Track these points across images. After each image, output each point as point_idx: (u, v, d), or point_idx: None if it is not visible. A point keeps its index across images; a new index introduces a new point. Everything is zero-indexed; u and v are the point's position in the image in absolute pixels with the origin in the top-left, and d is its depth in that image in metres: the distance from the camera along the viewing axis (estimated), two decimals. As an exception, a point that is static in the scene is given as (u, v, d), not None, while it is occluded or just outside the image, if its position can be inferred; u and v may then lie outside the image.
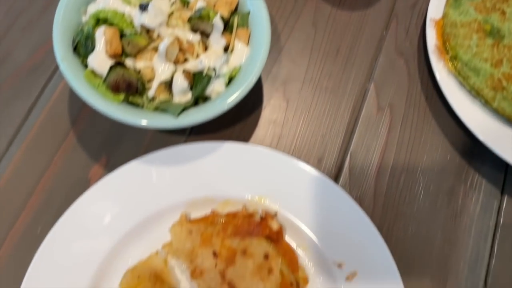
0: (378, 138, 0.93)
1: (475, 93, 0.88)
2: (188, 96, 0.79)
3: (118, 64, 0.76)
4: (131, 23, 0.78)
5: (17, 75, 0.94)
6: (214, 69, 0.79)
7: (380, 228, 0.85)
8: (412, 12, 1.03)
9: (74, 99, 0.92)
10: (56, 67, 0.95)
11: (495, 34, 0.93)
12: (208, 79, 0.79)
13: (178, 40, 0.78)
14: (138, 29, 0.77)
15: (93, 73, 0.77)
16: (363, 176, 0.90)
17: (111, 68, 0.75)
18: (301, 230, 0.81)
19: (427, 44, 0.93)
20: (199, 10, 0.79)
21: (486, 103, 0.88)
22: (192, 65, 0.79)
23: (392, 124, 0.94)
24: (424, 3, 1.03)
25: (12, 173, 0.87)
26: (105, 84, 0.76)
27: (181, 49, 0.78)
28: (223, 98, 0.77)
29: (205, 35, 0.81)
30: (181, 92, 0.78)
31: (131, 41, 0.76)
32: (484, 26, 0.93)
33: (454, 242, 0.86)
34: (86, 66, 0.78)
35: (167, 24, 0.79)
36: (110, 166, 0.88)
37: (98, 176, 0.87)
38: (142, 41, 0.77)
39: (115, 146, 0.89)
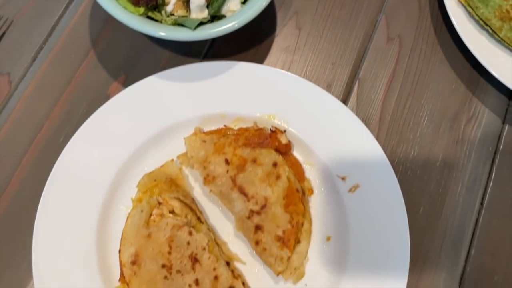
0: (387, 67, 0.96)
1: (483, 23, 0.91)
2: (205, 13, 0.82)
3: None
4: None
5: (40, -5, 0.98)
6: None
7: (383, 150, 0.89)
8: None
9: (95, 18, 0.96)
10: (78, -11, 0.99)
11: (506, -33, 0.94)
12: (224, 2, 0.82)
13: None
14: None
15: None
16: (370, 101, 0.93)
17: None
18: (308, 147, 0.86)
19: (438, -24, 0.95)
20: None
21: (493, 33, 0.90)
22: None
23: (401, 54, 0.97)
24: None
25: (36, 86, 0.92)
26: None
27: None
28: (237, 16, 0.80)
29: None
30: (198, 9, 0.82)
31: None
32: (496, -41, 0.95)
33: (454, 166, 0.90)
34: None
35: None
36: (128, 83, 0.92)
37: (117, 92, 0.91)
38: None
39: (134, 65, 0.94)
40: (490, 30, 0.91)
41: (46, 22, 0.96)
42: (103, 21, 0.96)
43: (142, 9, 0.80)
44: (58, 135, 0.89)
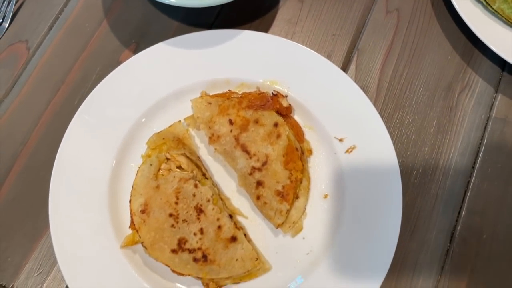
0: (385, 38, 1.00)
1: (478, -5, 0.95)
2: None
3: None
4: None
5: (57, -32, 1.03)
6: None
7: (380, 116, 0.94)
8: None
9: (108, -10, 1.01)
10: (92, -37, 1.04)
11: None
12: None
13: None
14: None
15: None
16: (368, 70, 0.98)
17: None
18: (308, 111, 0.91)
19: (436, -49, 0.99)
20: None
21: (487, 5, 0.94)
22: None
23: (399, 26, 1.01)
24: None
25: (52, 53, 0.97)
26: None
27: None
28: None
29: None
30: None
31: None
32: None
33: (447, 132, 0.94)
34: None
35: None
36: (139, 51, 0.96)
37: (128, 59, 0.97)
38: None
39: (144, 34, 0.99)
40: (484, 3, 0.95)
41: (62, -7, 1.02)
42: (115, -8, 1.01)
43: None
44: (73, 97, 0.95)
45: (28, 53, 0.98)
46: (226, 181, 0.88)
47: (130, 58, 0.90)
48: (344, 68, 0.98)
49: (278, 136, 0.85)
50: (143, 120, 0.90)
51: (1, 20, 0.98)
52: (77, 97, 0.94)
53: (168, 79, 0.91)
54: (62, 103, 0.94)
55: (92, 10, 1.01)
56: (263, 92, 0.90)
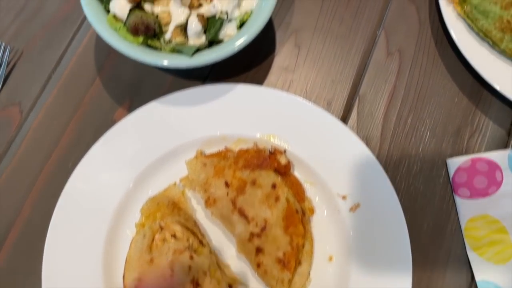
0: (387, 82, 0.96)
1: (483, 35, 0.90)
2: (202, 39, 0.85)
3: (137, 7, 0.82)
4: None
5: (48, 26, 1.02)
6: (227, 13, 0.84)
7: (385, 167, 0.89)
8: (425, -42, 1.04)
9: (100, 48, 0.99)
10: (84, 18, 1.02)
11: (506, -23, 0.93)
12: (221, 22, 0.84)
13: None
14: None
15: (115, 17, 0.83)
16: (371, 117, 0.93)
17: (130, 11, 0.81)
18: (309, 166, 0.87)
19: (437, -11, 0.94)
20: None
21: (494, 45, 0.89)
22: (206, 9, 0.84)
23: (401, 68, 0.96)
24: (438, -50, 1.04)
25: (45, 115, 0.95)
26: (126, 26, 0.82)
27: None
28: (234, 40, 0.82)
29: None
30: (196, 35, 0.84)
31: None
32: (496, -31, 0.94)
33: (458, 180, 0.89)
34: (108, 11, 0.84)
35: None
36: (133, 109, 0.94)
37: (123, 117, 0.94)
38: None
39: (138, 91, 0.96)
40: (490, 42, 0.89)
41: (54, 52, 1.00)
42: (107, 50, 0.99)
43: (141, 39, 0.83)
44: (67, 161, 0.92)
45: (21, 116, 0.96)
46: (225, 246, 0.84)
47: (122, 120, 0.88)
48: (345, 117, 0.94)
49: (277, 199, 0.80)
50: (137, 183, 0.87)
51: (-7, 84, 0.97)
52: (70, 160, 0.92)
53: (163, 139, 0.89)
54: (55, 167, 0.92)
55: (84, 68, 0.99)
56: (260, 150, 0.86)
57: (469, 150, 0.90)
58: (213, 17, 0.84)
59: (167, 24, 0.84)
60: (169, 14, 0.84)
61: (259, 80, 0.97)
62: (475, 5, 0.91)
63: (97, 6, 0.84)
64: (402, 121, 0.93)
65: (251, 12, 0.86)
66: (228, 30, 0.85)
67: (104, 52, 0.99)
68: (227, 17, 0.84)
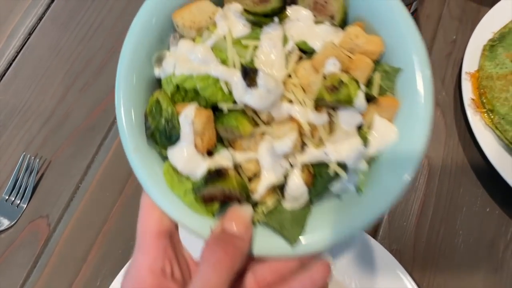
0: (417, 190, 0.95)
1: (513, 147, 0.90)
2: (303, 199, 0.56)
3: (218, 172, 0.52)
4: (229, 94, 0.53)
5: (75, 135, 1.02)
6: (345, 165, 0.53)
7: (420, 282, 0.87)
8: (448, 62, 1.05)
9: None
10: (111, 125, 1.03)
11: (533, 85, 0.94)
12: (335, 178, 0.55)
13: (297, 124, 0.53)
14: (240, 104, 0.52)
15: (175, 170, 0.54)
16: (402, 229, 0.92)
17: (206, 181, 0.52)
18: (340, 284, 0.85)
19: (463, 97, 0.95)
20: (335, 88, 0.50)
21: (519, 152, 0.89)
22: (313, 156, 0.54)
23: (430, 175, 0.96)
24: (459, 53, 1.05)
25: (73, 228, 0.95)
26: (194, 192, 0.54)
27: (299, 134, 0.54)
28: (360, 209, 0.53)
29: (331, 108, 0.54)
30: (296, 199, 0.56)
31: (231, 128, 0.53)
32: (522, 78, 0.94)
33: (495, 296, 0.87)
34: (165, 157, 0.55)
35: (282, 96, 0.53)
36: (161, 220, 0.94)
37: (151, 230, 0.94)
38: (246, 127, 0.53)
39: (166, 201, 0.96)
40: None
41: (81, 161, 1.00)
42: (135, 159, 0.99)
43: (216, 207, 0.55)
44: (95, 278, 0.91)
45: (49, 229, 0.95)
46: None
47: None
48: (376, 229, 0.93)
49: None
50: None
51: (21, 197, 0.97)
52: (99, 277, 0.91)
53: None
54: (83, 285, 0.91)
55: (113, 176, 0.99)
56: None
57: (504, 264, 0.89)
58: (323, 165, 0.54)
59: (254, 176, 0.56)
60: (258, 163, 0.55)
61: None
62: (503, 115, 0.92)
63: (148, 152, 0.55)
64: (435, 232, 0.92)
65: (380, 157, 0.54)
66: (345, 183, 0.56)
67: (132, 162, 0.99)
68: (347, 171, 0.54)
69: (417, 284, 0.83)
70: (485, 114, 0.93)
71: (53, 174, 1.00)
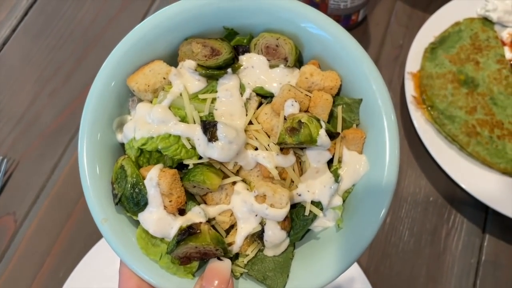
0: (365, 182, 1.01)
1: (451, 139, 0.96)
2: (284, 244, 0.55)
3: (189, 230, 0.51)
4: (192, 150, 0.53)
5: (44, 136, 1.08)
6: (320, 203, 0.53)
7: (367, 268, 0.92)
8: (395, 65, 1.12)
9: (92, 156, 1.05)
10: (78, 127, 1.08)
11: (469, 83, 1.01)
12: (312, 219, 0.55)
13: (264, 170, 0.53)
14: (205, 158, 0.53)
15: (148, 234, 0.53)
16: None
17: (178, 241, 0.51)
18: None
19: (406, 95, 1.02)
20: (295, 130, 0.50)
21: (462, 148, 0.95)
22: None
23: (378, 169, 1.02)
24: (406, 56, 1.12)
25: (38, 224, 0.99)
26: (168, 253, 0.52)
27: (268, 177, 0.54)
28: (342, 249, 0.53)
29: (298, 148, 0.54)
30: (276, 245, 0.55)
31: (198, 184, 0.52)
32: (459, 76, 1.02)
33: (437, 280, 0.92)
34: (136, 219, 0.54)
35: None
36: (123, 215, 0.99)
37: (113, 224, 0.98)
38: (213, 181, 0.52)
39: (128, 197, 1.01)
40: (458, 146, 0.96)
41: (49, 161, 1.05)
42: (99, 158, 1.04)
43: (194, 266, 0.54)
44: (59, 270, 0.95)
45: (15, 225, 1.00)
46: None
47: (112, 231, 0.91)
48: (327, 218, 0.98)
49: None
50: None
51: (-11, 195, 1.02)
52: (62, 269, 0.95)
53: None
54: (47, 277, 0.94)
55: (77, 175, 1.02)
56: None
57: (446, 249, 0.94)
58: (299, 207, 0.55)
59: (231, 227, 0.56)
60: (232, 215, 0.55)
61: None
62: (442, 110, 0.98)
63: (118, 219, 0.54)
64: (381, 221, 0.97)
65: (353, 188, 0.56)
66: (321, 221, 0.56)
67: (96, 161, 1.04)
68: (322, 209, 0.54)
69: (365, 269, 0.87)
70: (426, 110, 1.00)
71: (21, 174, 1.04)
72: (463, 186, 0.92)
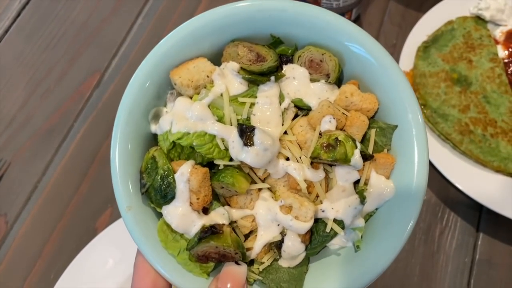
0: (358, 181, 1.00)
1: (444, 138, 0.96)
2: (301, 257, 0.55)
3: (212, 229, 0.52)
4: (225, 151, 0.53)
5: (36, 137, 1.07)
6: (342, 222, 0.53)
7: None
8: (388, 64, 1.12)
9: (84, 157, 1.04)
10: (70, 128, 1.08)
11: (462, 81, 1.01)
12: (332, 236, 0.54)
13: (292, 181, 0.54)
14: (236, 161, 0.53)
15: (169, 227, 0.54)
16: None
17: (200, 239, 0.52)
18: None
19: (399, 94, 1.01)
20: (332, 146, 0.51)
21: (455, 147, 0.95)
22: None
23: (371, 168, 1.01)
24: (399, 55, 1.12)
25: (30, 225, 0.99)
26: (188, 250, 0.53)
27: (294, 189, 0.54)
28: (356, 271, 0.53)
29: (328, 164, 0.54)
30: (293, 256, 0.55)
31: (227, 185, 0.53)
32: (452, 75, 1.01)
33: (431, 279, 0.91)
34: (159, 211, 0.55)
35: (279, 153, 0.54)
36: (114, 217, 0.98)
37: (104, 225, 0.97)
38: (242, 184, 0.52)
39: (120, 198, 1.00)
40: (451, 144, 0.95)
41: (40, 162, 1.05)
42: (91, 159, 1.04)
43: (210, 267, 0.55)
44: (49, 272, 0.94)
45: (6, 226, 0.99)
46: None
47: (102, 232, 0.91)
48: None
49: None
50: (119, 294, 0.87)
51: (-20, 196, 1.01)
52: (52, 271, 0.94)
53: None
54: (38, 279, 0.94)
55: (69, 176, 1.03)
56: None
57: (440, 248, 0.93)
58: (321, 223, 0.55)
59: (251, 233, 0.56)
60: (254, 220, 0.55)
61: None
62: (434, 109, 0.98)
63: (142, 209, 0.54)
64: (375, 220, 0.96)
65: (376, 212, 0.56)
66: (338, 240, 0.56)
67: (87, 162, 1.04)
68: (344, 228, 0.53)
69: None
70: (419, 109, 0.99)
71: (12, 175, 1.04)
72: (457, 184, 0.91)
